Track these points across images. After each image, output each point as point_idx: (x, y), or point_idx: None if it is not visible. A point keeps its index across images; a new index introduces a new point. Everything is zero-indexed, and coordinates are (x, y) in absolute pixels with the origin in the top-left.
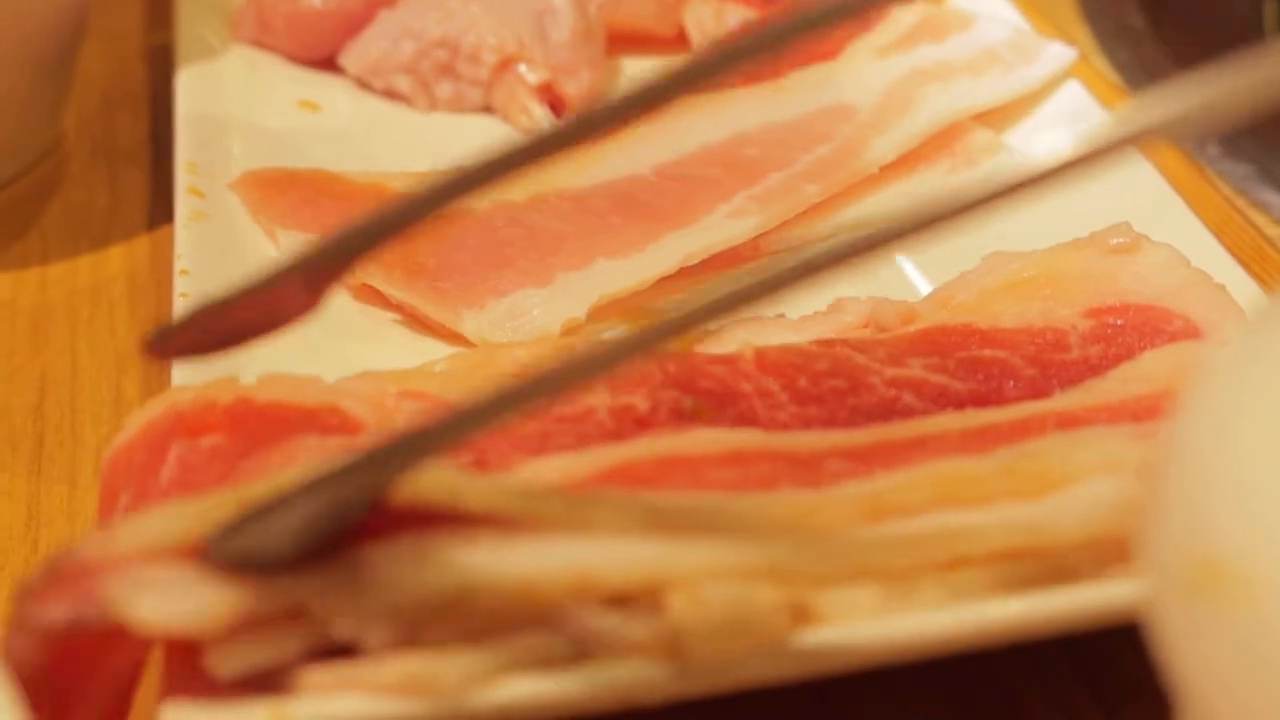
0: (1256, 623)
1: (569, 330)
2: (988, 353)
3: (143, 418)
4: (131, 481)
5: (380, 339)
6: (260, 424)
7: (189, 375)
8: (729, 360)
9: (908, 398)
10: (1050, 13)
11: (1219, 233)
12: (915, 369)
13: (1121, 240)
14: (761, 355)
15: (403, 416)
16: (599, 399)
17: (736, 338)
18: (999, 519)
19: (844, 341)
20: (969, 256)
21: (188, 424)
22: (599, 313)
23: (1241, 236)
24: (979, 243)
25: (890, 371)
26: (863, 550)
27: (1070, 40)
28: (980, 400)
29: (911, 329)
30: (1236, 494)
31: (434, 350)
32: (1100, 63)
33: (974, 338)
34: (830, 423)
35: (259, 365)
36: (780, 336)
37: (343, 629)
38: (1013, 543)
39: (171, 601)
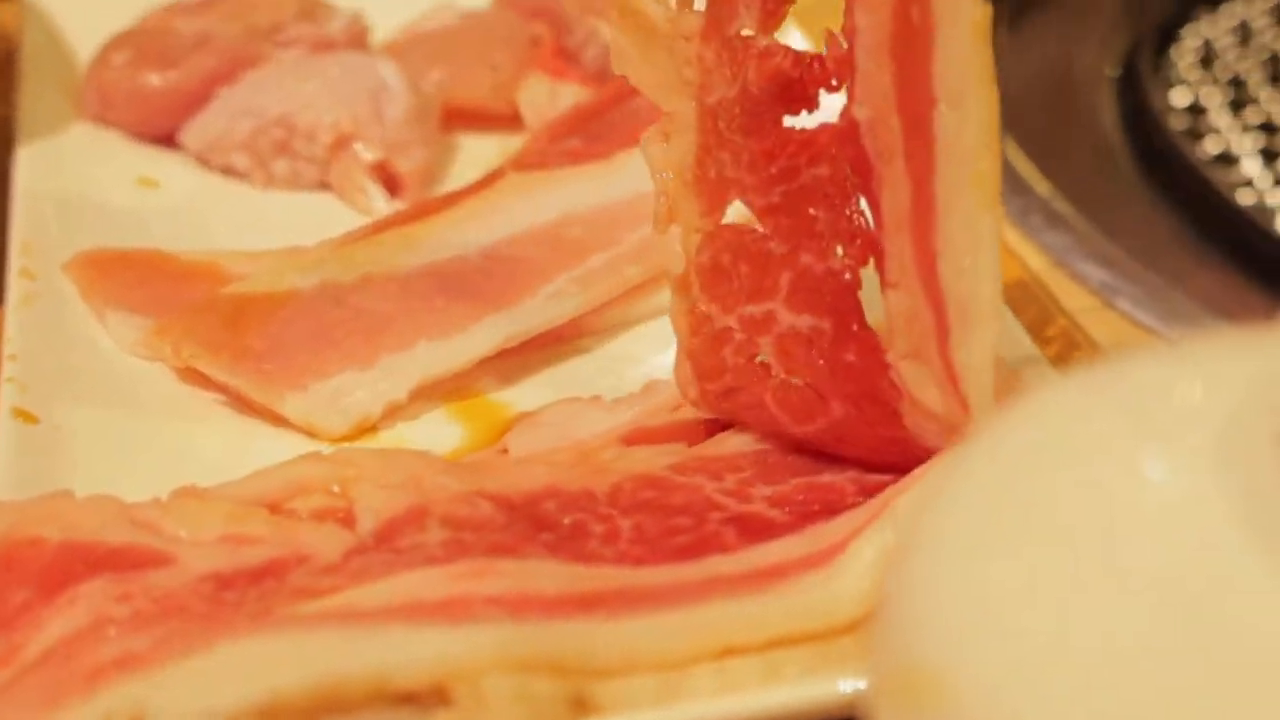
0: None
1: (390, 411)
2: (825, 478)
3: None
4: None
5: (205, 420)
6: (52, 564)
7: None
8: (587, 494)
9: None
10: None
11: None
12: (757, 504)
13: None
14: (617, 490)
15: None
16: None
17: (555, 420)
18: (773, 606)
19: (701, 465)
20: None
21: None
22: (421, 393)
23: (1032, 307)
24: None
25: (734, 507)
26: (639, 640)
27: None
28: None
29: (750, 444)
30: (938, 608)
31: (258, 431)
32: None
33: (808, 462)
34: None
35: (82, 447)
36: (596, 419)
37: None
38: (788, 629)
39: None
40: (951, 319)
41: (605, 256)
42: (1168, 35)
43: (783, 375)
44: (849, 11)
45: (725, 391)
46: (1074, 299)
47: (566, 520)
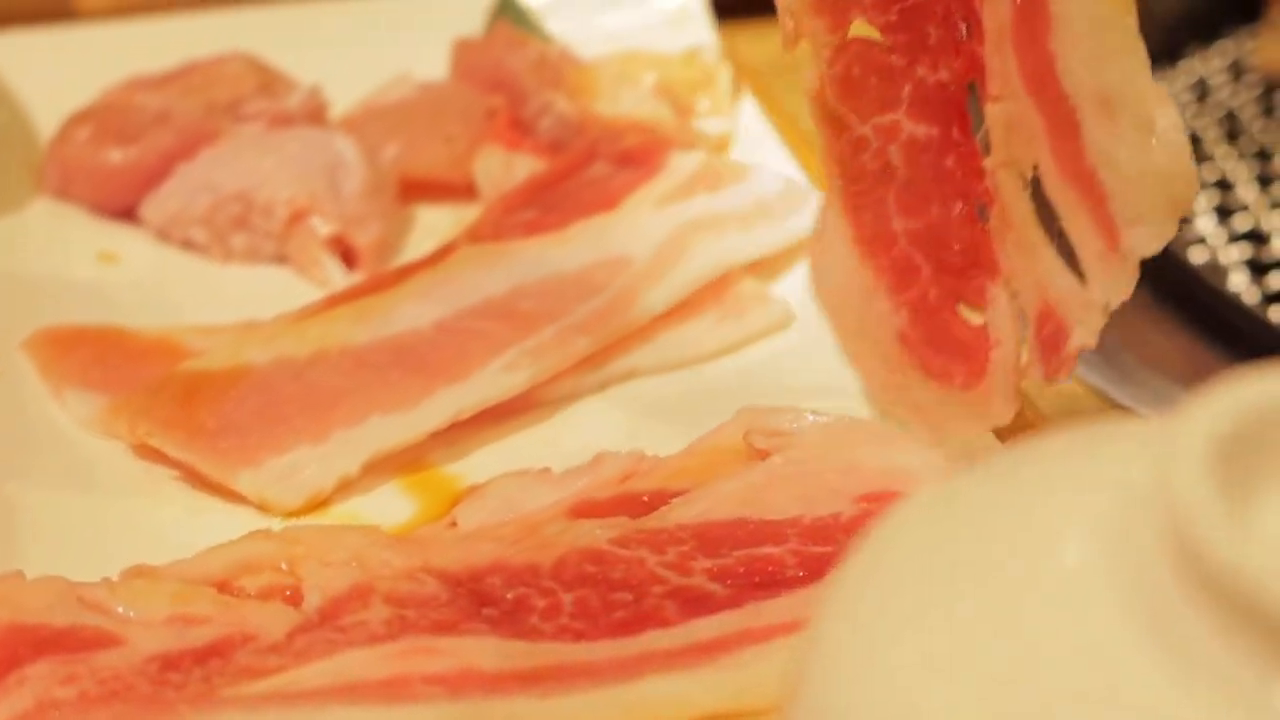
0: None
1: (343, 485)
2: (765, 550)
3: None
4: None
5: (161, 496)
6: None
7: None
8: (531, 569)
9: (685, 605)
10: None
11: None
12: (697, 577)
13: (894, 434)
14: (561, 564)
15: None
16: (377, 612)
17: (503, 493)
18: (705, 683)
19: (644, 538)
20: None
21: None
22: (373, 467)
23: None
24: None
25: (675, 580)
26: (574, 717)
27: None
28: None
29: (694, 517)
30: (839, 692)
31: (214, 507)
32: None
33: (749, 534)
34: (605, 632)
35: (36, 526)
36: (544, 491)
37: None
38: (717, 708)
39: None
40: (1085, 115)
41: (556, 328)
42: None
43: (904, 177)
44: None
45: (861, 192)
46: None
47: (510, 595)
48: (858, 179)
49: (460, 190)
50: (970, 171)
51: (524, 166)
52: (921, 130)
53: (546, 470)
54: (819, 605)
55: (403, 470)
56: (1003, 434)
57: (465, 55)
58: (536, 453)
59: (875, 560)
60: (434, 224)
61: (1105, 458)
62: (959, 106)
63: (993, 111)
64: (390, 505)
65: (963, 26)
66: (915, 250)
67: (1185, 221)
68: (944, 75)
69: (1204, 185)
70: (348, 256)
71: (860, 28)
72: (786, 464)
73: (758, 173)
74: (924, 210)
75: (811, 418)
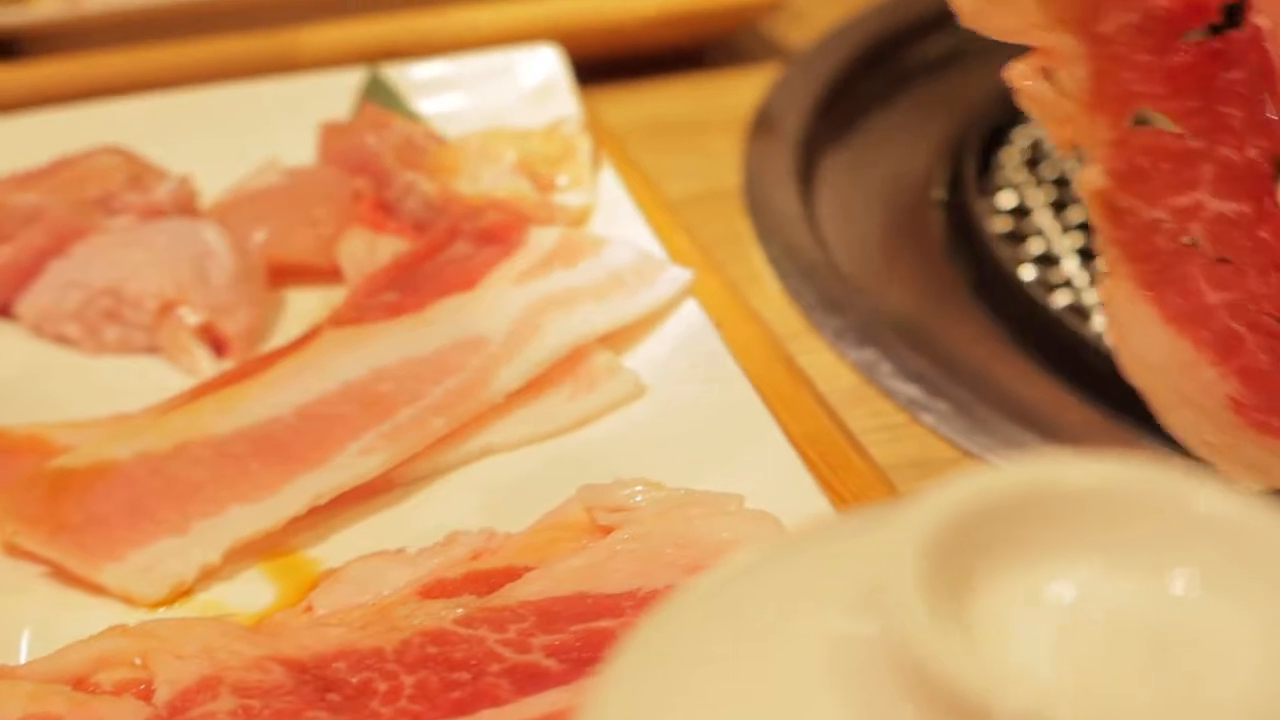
0: None
1: (206, 574)
2: (601, 624)
3: None
4: None
5: (29, 593)
6: None
7: None
8: (376, 653)
9: (519, 683)
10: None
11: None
12: (535, 653)
13: (730, 505)
14: (405, 646)
15: None
16: (224, 703)
17: (358, 576)
18: None
19: (487, 616)
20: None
21: None
22: (235, 555)
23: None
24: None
25: (512, 658)
26: None
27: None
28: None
29: (536, 594)
30: None
31: (80, 602)
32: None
33: (587, 610)
34: (442, 713)
35: None
36: (398, 573)
37: None
38: None
39: None
40: None
41: (413, 410)
42: (999, 137)
43: (1211, 254)
44: None
45: (1157, 271)
46: (882, 416)
47: (354, 680)
48: (1148, 259)
49: (329, 274)
50: None
51: (388, 248)
52: (1229, 207)
53: (401, 551)
54: (586, 695)
55: (265, 556)
56: None
57: (332, 139)
58: (395, 533)
59: (638, 648)
60: (304, 308)
61: (857, 552)
62: (1268, 180)
63: None
64: (253, 591)
65: (1270, 103)
66: (1236, 321)
67: (1053, 264)
68: (1251, 153)
69: (1068, 228)
70: (218, 344)
71: (1145, 115)
72: (626, 539)
73: (612, 245)
74: (1240, 283)
75: (648, 492)
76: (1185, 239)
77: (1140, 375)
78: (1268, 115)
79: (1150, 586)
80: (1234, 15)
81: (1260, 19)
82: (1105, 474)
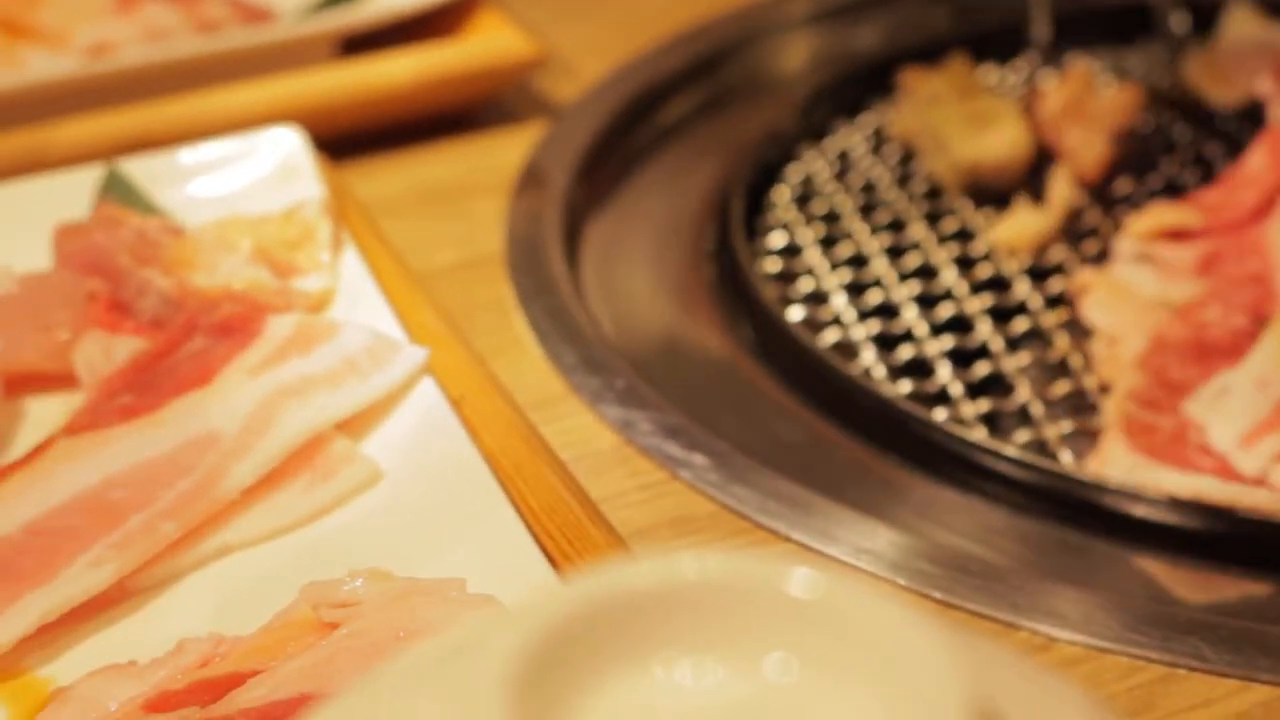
0: None
1: None
2: None
3: None
4: None
5: None
6: None
7: None
8: None
9: None
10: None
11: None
12: None
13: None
14: None
15: None
16: None
17: (87, 693)
18: None
19: None
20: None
21: None
22: None
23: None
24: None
25: None
26: None
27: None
28: None
29: (259, 699)
30: None
31: None
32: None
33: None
34: None
35: None
36: (126, 686)
37: None
38: None
39: None
40: None
41: (142, 517)
42: (773, 176)
43: None
44: None
45: None
46: (641, 475)
47: None
48: None
49: (68, 380)
50: None
51: (125, 348)
52: None
53: (132, 664)
54: None
55: None
56: None
57: (66, 240)
58: (128, 645)
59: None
60: (45, 416)
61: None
62: None
63: None
64: None
65: None
66: None
67: (822, 301)
68: None
69: (837, 264)
70: None
71: None
72: (351, 634)
73: (346, 329)
74: None
75: (371, 584)
76: None
77: None
78: None
79: (750, 673)
80: None
81: None
82: (701, 570)
